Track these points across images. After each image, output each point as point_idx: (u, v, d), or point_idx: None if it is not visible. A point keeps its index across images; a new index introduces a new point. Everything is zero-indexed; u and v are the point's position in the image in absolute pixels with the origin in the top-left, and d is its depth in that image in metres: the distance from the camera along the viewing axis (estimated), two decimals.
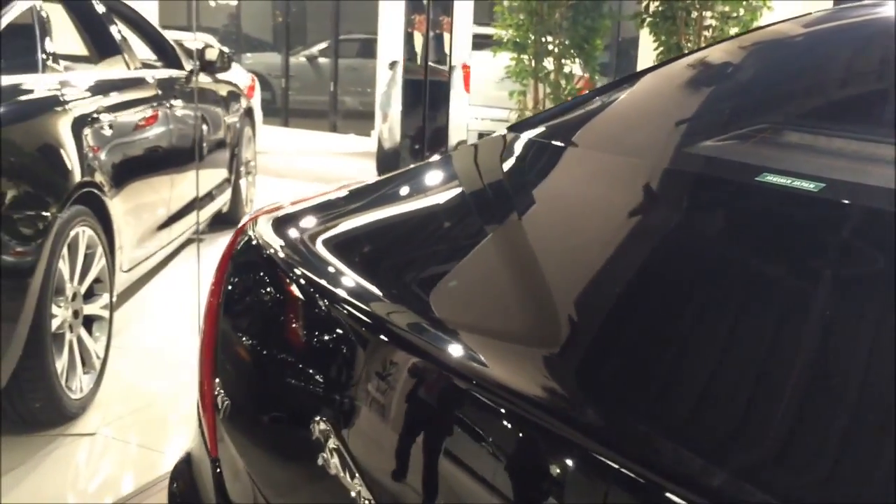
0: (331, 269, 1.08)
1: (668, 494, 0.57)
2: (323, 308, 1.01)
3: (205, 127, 4.70)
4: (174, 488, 1.37)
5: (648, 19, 5.47)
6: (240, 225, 1.30)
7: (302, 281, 1.06)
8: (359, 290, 0.99)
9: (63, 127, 2.96)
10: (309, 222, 1.26)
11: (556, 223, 1.13)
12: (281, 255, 1.13)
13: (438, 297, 0.98)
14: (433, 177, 1.50)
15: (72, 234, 2.83)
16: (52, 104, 2.98)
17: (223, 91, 5.16)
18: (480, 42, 7.69)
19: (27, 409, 2.70)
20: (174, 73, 4.48)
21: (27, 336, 2.57)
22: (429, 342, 0.85)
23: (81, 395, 2.92)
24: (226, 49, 4.89)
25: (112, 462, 2.76)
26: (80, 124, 3.07)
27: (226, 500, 1.19)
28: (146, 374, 3.36)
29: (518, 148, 1.43)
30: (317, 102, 13.72)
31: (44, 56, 3.15)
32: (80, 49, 4.04)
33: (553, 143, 1.42)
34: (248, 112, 5.66)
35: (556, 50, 5.90)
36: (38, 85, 3.01)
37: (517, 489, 0.70)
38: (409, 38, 6.94)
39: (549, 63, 5.92)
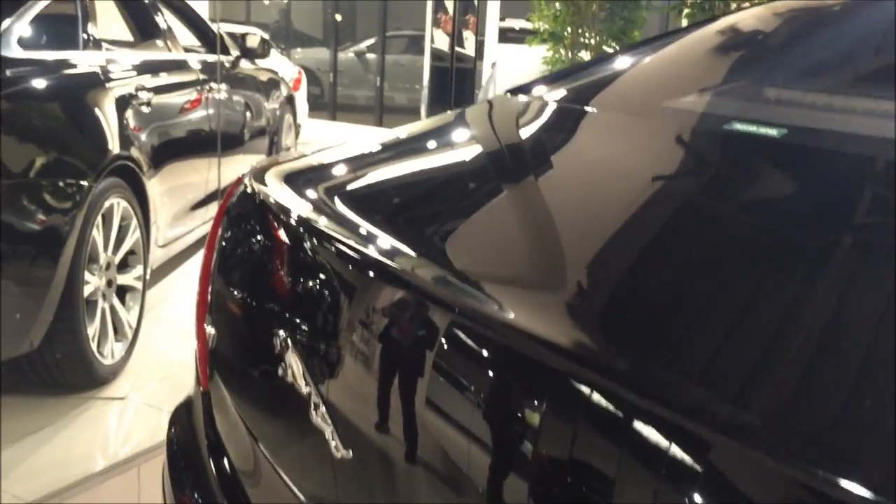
0: (322, 211, 1.10)
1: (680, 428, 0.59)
2: (311, 247, 1.04)
3: (245, 113, 4.81)
4: (172, 432, 1.41)
5: (686, 10, 5.44)
6: (237, 178, 1.36)
7: (290, 220, 1.10)
8: (348, 227, 1.02)
9: (101, 101, 3.08)
10: (305, 173, 1.31)
11: (564, 177, 1.13)
12: (272, 198, 1.17)
13: (436, 237, 1.00)
14: (441, 132, 1.50)
15: (106, 204, 2.94)
16: (92, 79, 3.09)
17: (264, 77, 5.26)
18: (512, 36, 7.72)
19: (60, 371, 2.80)
20: (216, 57, 4.59)
21: (60, 300, 2.68)
22: (415, 274, 0.86)
23: (113, 361, 3.03)
24: (266, 36, 4.99)
25: (140, 425, 2.86)
26: (118, 100, 3.18)
27: (214, 432, 1.25)
28: (177, 346, 3.45)
29: (522, 107, 1.45)
30: (363, 97, 13.87)
31: (85, 36, 3.27)
32: (128, 36, 4.19)
33: (562, 102, 1.43)
34: (290, 100, 5.76)
35: (593, 42, 5.90)
36: (80, 61, 3.12)
37: (503, 424, 0.72)
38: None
39: (585, 55, 5.92)
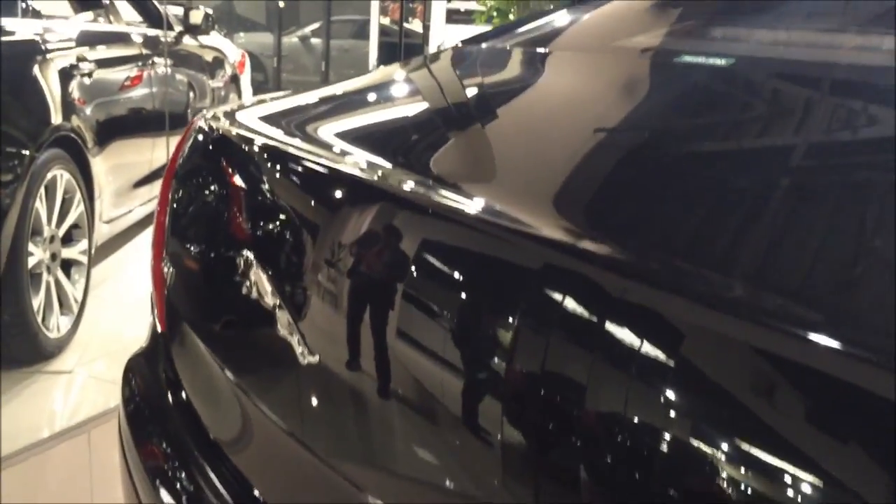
0: (284, 134, 1.11)
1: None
2: (274, 167, 1.05)
3: (188, 92, 4.74)
4: (132, 383, 1.38)
5: None
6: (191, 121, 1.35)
7: (249, 146, 1.10)
8: (309, 145, 1.04)
9: (41, 70, 3.01)
10: (259, 110, 1.31)
11: (527, 103, 1.16)
12: (232, 129, 1.17)
13: (409, 153, 1.02)
14: (405, 75, 1.50)
15: (49, 175, 2.88)
16: (30, 47, 3.02)
17: (209, 56, 5.19)
18: (458, 18, 7.76)
19: (4, 343, 2.74)
20: (159, 32, 4.51)
21: (2, 271, 2.62)
22: (380, 179, 0.89)
23: (59, 334, 2.97)
24: (210, 11, 4.91)
25: (88, 398, 2.81)
26: (59, 69, 3.11)
27: (174, 372, 1.24)
28: (124, 322, 3.40)
29: (481, 51, 1.46)
30: (309, 83, 13.74)
31: (23, 5, 3.19)
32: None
33: (519, 46, 1.45)
34: (234, 79, 5.69)
35: None
36: (17, 28, 3.05)
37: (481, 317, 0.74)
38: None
39: None
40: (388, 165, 0.93)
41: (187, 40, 4.84)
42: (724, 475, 0.54)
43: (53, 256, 2.98)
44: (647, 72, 1.13)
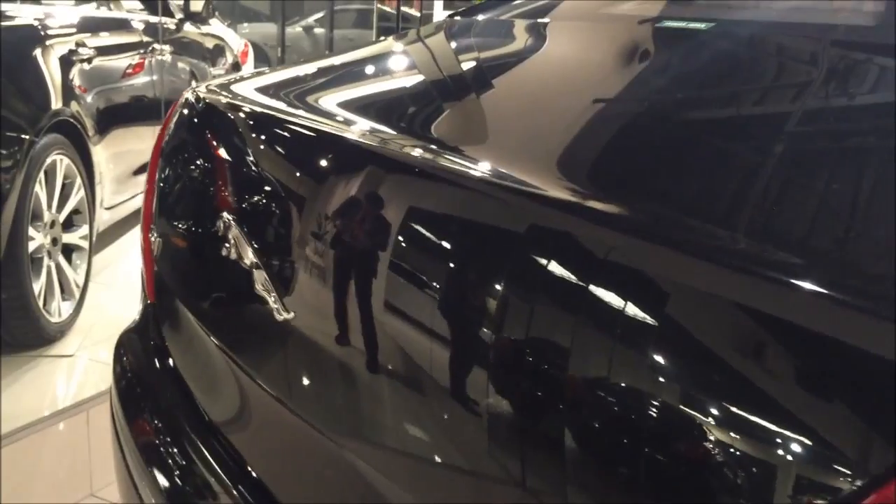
0: (260, 102, 1.12)
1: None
2: (256, 133, 1.06)
3: (190, 80, 4.74)
4: (123, 359, 1.38)
5: None
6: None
7: (234, 113, 1.10)
8: (288, 109, 1.04)
9: (40, 55, 3.01)
10: (253, 82, 1.31)
11: (523, 69, 1.16)
12: (218, 99, 1.17)
13: (398, 116, 1.03)
14: (403, 46, 1.49)
15: (48, 160, 2.88)
16: (30, 31, 3.02)
17: (209, 44, 5.19)
18: (459, 4, 7.73)
19: (5, 328, 2.76)
20: (161, 19, 4.51)
21: (3, 255, 2.63)
22: (356, 135, 0.90)
23: (60, 319, 2.99)
24: None
25: (90, 381, 2.82)
26: (58, 55, 3.12)
27: (160, 338, 1.25)
28: (126, 308, 3.41)
29: (476, 22, 1.46)
30: None
31: None
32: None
33: (514, 17, 1.45)
34: (236, 67, 5.69)
35: None
36: (17, 12, 3.05)
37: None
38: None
39: None
40: (373, 126, 0.94)
41: (188, 28, 4.84)
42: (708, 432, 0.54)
43: (54, 241, 2.99)
44: (632, 36, 1.13)
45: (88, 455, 2.30)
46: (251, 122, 1.09)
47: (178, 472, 1.09)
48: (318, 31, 13.84)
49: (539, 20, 1.34)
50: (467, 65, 1.22)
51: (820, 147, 0.71)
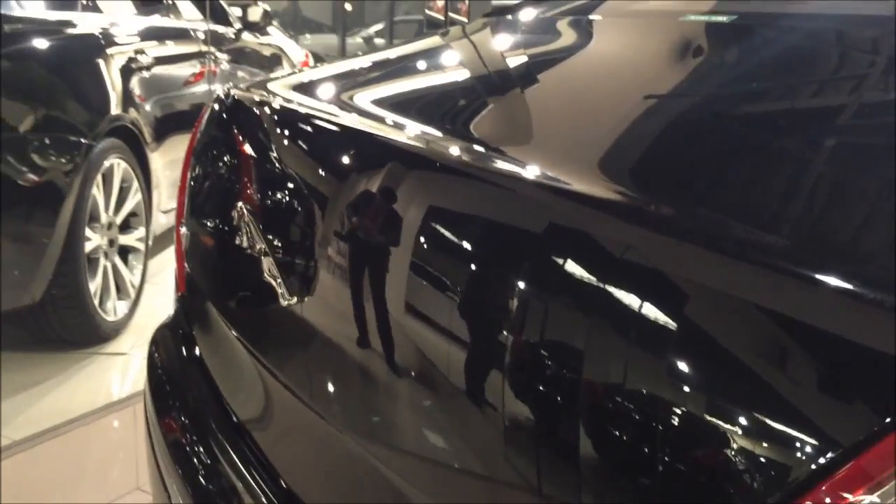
0: (295, 102, 1.14)
1: None
2: (287, 128, 1.08)
3: None
4: (154, 355, 1.40)
5: None
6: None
7: (260, 109, 1.13)
8: (310, 107, 1.06)
9: (101, 62, 3.12)
10: (281, 81, 1.34)
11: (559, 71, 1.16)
12: (242, 94, 1.20)
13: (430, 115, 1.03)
14: (433, 45, 1.50)
15: (106, 164, 2.98)
16: (91, 40, 3.13)
17: (267, 52, 5.30)
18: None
19: (62, 326, 2.85)
20: (220, 29, 4.62)
21: (60, 256, 2.72)
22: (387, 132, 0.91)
23: (116, 318, 3.08)
24: (268, 8, 5.01)
25: (142, 379, 2.89)
26: (118, 62, 3.22)
27: (189, 329, 1.28)
28: None
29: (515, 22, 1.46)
30: None
31: (84, 1, 3.31)
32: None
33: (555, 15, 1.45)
34: None
35: None
36: (80, 22, 3.16)
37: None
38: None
39: None
40: (398, 122, 0.94)
41: (247, 37, 4.95)
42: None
43: (111, 242, 3.08)
44: (659, 30, 1.12)
45: (135, 450, 2.36)
46: (276, 118, 1.11)
47: (202, 470, 1.10)
48: (379, 41, 14.01)
49: (573, 17, 1.34)
50: (499, 62, 1.22)
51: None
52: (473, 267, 0.73)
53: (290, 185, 1.04)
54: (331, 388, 0.93)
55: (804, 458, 0.46)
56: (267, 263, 0.98)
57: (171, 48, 3.97)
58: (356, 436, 0.85)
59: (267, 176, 1.10)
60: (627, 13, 1.29)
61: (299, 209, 1.00)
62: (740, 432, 0.49)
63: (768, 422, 0.49)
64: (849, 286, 0.48)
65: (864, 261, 0.52)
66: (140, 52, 3.46)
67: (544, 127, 0.91)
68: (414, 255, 0.77)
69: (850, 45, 0.91)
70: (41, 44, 2.86)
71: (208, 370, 1.18)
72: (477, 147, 0.83)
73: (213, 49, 4.36)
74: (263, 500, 0.95)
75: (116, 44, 3.30)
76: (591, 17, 1.33)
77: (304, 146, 1.07)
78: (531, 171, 0.72)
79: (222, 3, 4.77)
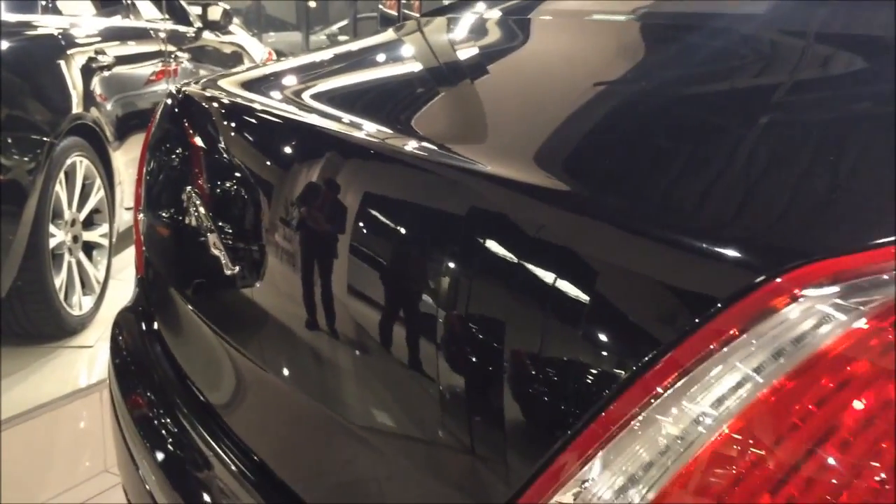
0: (241, 97, 1.24)
1: None
2: (231, 119, 1.18)
3: None
4: (118, 338, 1.48)
5: None
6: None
7: (207, 103, 1.23)
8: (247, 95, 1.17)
9: (61, 63, 3.18)
10: (232, 77, 1.44)
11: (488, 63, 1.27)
12: (192, 90, 1.31)
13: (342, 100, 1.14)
14: (372, 44, 1.62)
15: (68, 161, 3.05)
16: (51, 41, 3.20)
17: (227, 50, 5.37)
18: None
19: (29, 320, 2.92)
20: (180, 28, 4.68)
21: (25, 252, 2.79)
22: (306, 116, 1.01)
23: (81, 312, 3.15)
24: (227, 7, 5.08)
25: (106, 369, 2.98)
26: (78, 62, 3.29)
27: (148, 307, 1.38)
28: None
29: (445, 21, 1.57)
30: None
31: (44, 2, 3.37)
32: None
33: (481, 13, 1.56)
34: None
35: None
36: (40, 23, 3.23)
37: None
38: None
39: None
40: (341, 115, 1.05)
41: (208, 36, 5.01)
42: None
43: (75, 238, 3.15)
44: (562, 26, 1.25)
45: (103, 434, 2.45)
46: (223, 112, 1.21)
47: (170, 441, 1.19)
48: (342, 38, 14.05)
49: (483, 16, 1.46)
50: (432, 60, 1.33)
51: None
52: (399, 244, 0.84)
53: (237, 174, 1.14)
54: (277, 351, 1.03)
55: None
56: (213, 242, 1.08)
57: (132, 48, 4.03)
58: (297, 387, 0.97)
59: (215, 165, 1.20)
60: (548, 12, 1.41)
61: (244, 195, 1.11)
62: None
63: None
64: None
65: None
66: (100, 52, 3.53)
67: (465, 117, 1.02)
68: (346, 232, 0.88)
69: (724, 41, 1.04)
70: (2, 45, 2.92)
71: (166, 343, 1.28)
72: (407, 136, 0.95)
73: (173, 48, 4.42)
74: (230, 464, 1.03)
75: (77, 44, 3.37)
76: (517, 16, 1.45)
77: (248, 137, 1.17)
78: (453, 157, 0.83)
79: (182, 2, 4.83)
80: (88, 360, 3.02)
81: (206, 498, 1.00)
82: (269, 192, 1.03)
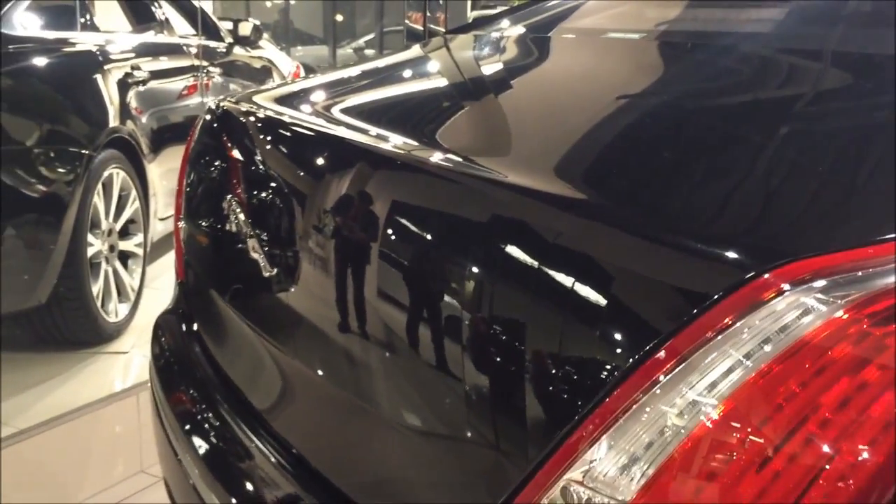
0: (276, 111, 1.32)
1: None
2: (267, 133, 1.26)
3: None
4: (161, 339, 1.56)
5: None
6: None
7: (245, 117, 1.31)
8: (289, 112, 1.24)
9: (99, 78, 3.30)
10: (260, 96, 1.52)
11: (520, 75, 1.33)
12: (230, 105, 1.38)
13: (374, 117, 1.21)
14: (397, 59, 1.70)
15: (105, 173, 3.16)
16: (89, 57, 3.32)
17: (257, 65, 5.48)
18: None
19: (67, 326, 3.03)
20: (212, 43, 4.80)
21: (64, 260, 2.90)
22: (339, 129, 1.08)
23: (117, 319, 3.25)
24: (258, 23, 5.20)
25: (143, 375, 3.07)
26: (115, 77, 3.41)
27: (188, 308, 1.46)
28: None
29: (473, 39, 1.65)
30: None
31: (83, 20, 3.49)
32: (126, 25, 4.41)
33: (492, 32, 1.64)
34: None
35: None
36: (78, 41, 3.35)
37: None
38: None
39: None
40: (370, 128, 1.13)
41: (238, 51, 5.13)
42: None
43: (111, 248, 3.26)
44: (579, 43, 1.31)
45: (139, 436, 2.54)
46: (260, 125, 1.29)
47: (213, 435, 1.25)
48: (369, 52, 14.22)
49: (506, 35, 1.53)
50: (456, 76, 1.40)
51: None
52: (425, 249, 0.91)
53: (273, 183, 1.22)
54: (311, 347, 1.11)
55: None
56: (253, 247, 1.16)
57: (165, 63, 4.15)
58: (330, 381, 1.04)
59: (252, 175, 1.28)
60: (567, 30, 1.48)
61: (279, 203, 1.18)
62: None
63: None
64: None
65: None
66: (136, 67, 3.64)
67: (489, 130, 1.09)
68: (376, 237, 0.95)
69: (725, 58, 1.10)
70: (43, 61, 3.04)
71: (205, 342, 1.36)
72: (433, 148, 1.02)
73: (205, 63, 4.54)
74: (269, 455, 1.09)
75: (113, 60, 3.48)
76: (538, 34, 1.52)
77: (283, 149, 1.25)
78: (477, 168, 0.90)
79: (214, 18, 4.95)
80: (124, 365, 3.11)
81: (249, 487, 1.07)
82: (304, 200, 1.11)
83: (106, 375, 3.02)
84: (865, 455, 0.56)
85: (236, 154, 1.33)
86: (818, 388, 0.58)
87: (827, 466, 0.57)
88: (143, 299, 3.53)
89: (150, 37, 4.19)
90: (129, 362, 3.13)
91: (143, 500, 2.36)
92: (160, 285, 3.86)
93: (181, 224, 1.45)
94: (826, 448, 0.57)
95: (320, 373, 1.06)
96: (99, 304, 3.10)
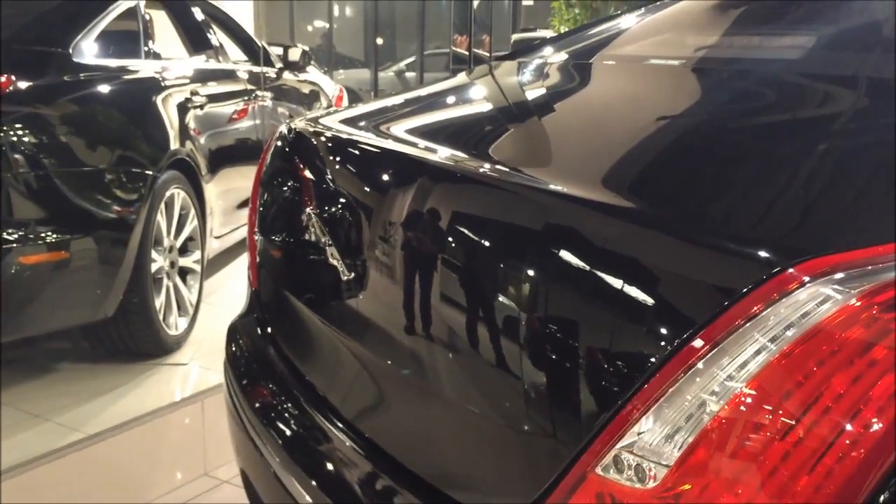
0: (343, 132, 1.45)
1: None
2: (338, 152, 1.38)
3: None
4: (238, 342, 1.69)
5: None
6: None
7: (317, 138, 1.44)
8: (358, 133, 1.37)
9: (161, 103, 3.48)
10: (333, 115, 1.66)
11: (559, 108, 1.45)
12: (303, 127, 1.52)
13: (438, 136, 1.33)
14: (451, 85, 1.82)
15: (167, 193, 3.33)
16: (152, 83, 3.51)
17: (306, 89, 5.67)
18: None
19: (132, 338, 3.19)
20: (263, 69, 5.00)
21: (130, 275, 3.06)
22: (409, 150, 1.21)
23: (177, 332, 3.41)
24: (307, 48, 5.39)
25: (202, 386, 3.22)
26: (175, 102, 3.59)
27: (262, 314, 1.58)
28: None
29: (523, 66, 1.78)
30: None
31: (146, 48, 3.69)
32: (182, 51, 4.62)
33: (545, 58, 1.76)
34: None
35: None
36: (141, 68, 3.54)
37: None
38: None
39: None
40: (431, 146, 1.25)
41: (287, 76, 5.32)
42: None
43: (172, 264, 3.42)
44: (615, 70, 1.43)
45: (203, 440, 2.68)
46: (330, 145, 1.42)
47: (294, 425, 1.33)
48: (409, 74, 14.45)
49: (541, 61, 1.65)
50: (505, 100, 1.53)
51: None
52: (484, 256, 1.02)
53: (343, 198, 1.34)
54: (384, 342, 1.21)
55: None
56: (330, 255, 1.28)
57: (220, 87, 4.33)
58: (399, 371, 1.15)
59: (324, 191, 1.41)
60: (610, 57, 1.60)
61: (352, 214, 1.31)
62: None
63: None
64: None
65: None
66: (194, 91, 3.83)
67: (536, 148, 1.21)
68: (440, 247, 1.07)
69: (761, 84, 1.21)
70: (112, 88, 3.23)
71: (279, 344, 1.49)
72: (488, 163, 1.13)
73: (256, 88, 4.73)
74: (345, 440, 1.19)
75: (174, 85, 3.67)
76: (580, 60, 1.64)
77: (351, 166, 1.37)
78: (526, 179, 1.02)
79: (264, 45, 5.15)
80: (184, 376, 3.26)
81: (329, 467, 1.19)
82: (373, 212, 1.23)
83: (168, 385, 3.17)
84: (873, 423, 0.66)
85: (309, 171, 1.46)
86: (833, 366, 0.68)
87: (841, 433, 0.67)
88: (200, 314, 3.69)
89: (207, 62, 4.38)
90: (188, 373, 3.28)
91: (207, 502, 2.49)
92: (215, 300, 4.03)
93: (256, 237, 1.59)
94: (839, 418, 0.67)
95: (391, 364, 1.17)
96: (161, 317, 3.26)
